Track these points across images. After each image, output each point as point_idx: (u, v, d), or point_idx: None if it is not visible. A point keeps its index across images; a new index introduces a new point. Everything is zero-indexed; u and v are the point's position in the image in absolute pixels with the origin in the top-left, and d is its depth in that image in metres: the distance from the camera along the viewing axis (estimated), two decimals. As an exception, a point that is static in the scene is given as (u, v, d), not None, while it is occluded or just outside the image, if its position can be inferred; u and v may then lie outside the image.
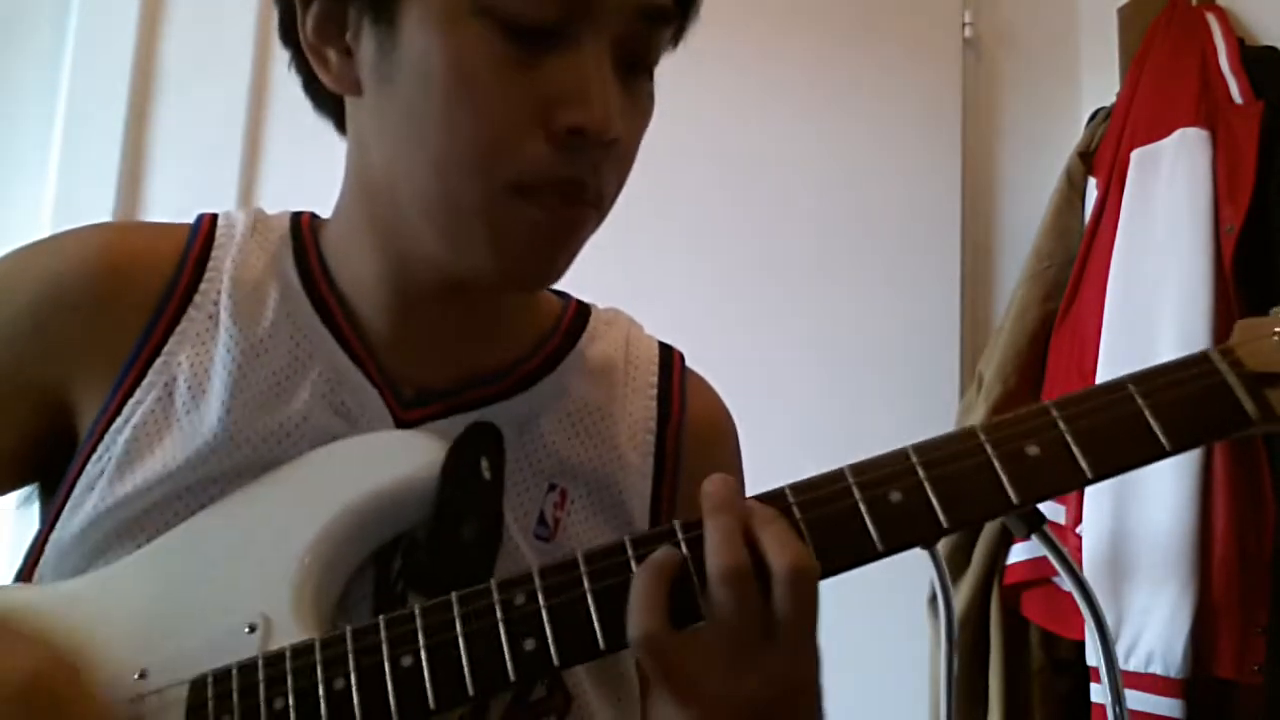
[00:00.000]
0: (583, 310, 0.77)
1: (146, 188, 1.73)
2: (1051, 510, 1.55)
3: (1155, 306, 1.55)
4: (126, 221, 0.74)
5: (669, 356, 0.76)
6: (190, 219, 0.72)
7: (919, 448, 0.54)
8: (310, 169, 1.80)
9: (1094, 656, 1.37)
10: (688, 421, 0.74)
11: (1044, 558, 1.52)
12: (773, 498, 0.55)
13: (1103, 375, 1.59)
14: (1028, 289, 1.81)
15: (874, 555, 0.53)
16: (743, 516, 0.53)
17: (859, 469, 0.54)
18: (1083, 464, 0.52)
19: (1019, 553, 1.65)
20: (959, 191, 2.00)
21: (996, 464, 0.52)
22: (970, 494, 0.52)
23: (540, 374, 0.70)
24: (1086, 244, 1.73)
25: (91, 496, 0.63)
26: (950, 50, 2.04)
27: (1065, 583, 1.37)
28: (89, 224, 0.71)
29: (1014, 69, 2.10)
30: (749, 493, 0.57)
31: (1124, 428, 0.52)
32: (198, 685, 0.55)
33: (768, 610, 0.52)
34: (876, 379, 1.92)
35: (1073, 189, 1.82)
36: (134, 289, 0.67)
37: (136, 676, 0.56)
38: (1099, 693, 1.43)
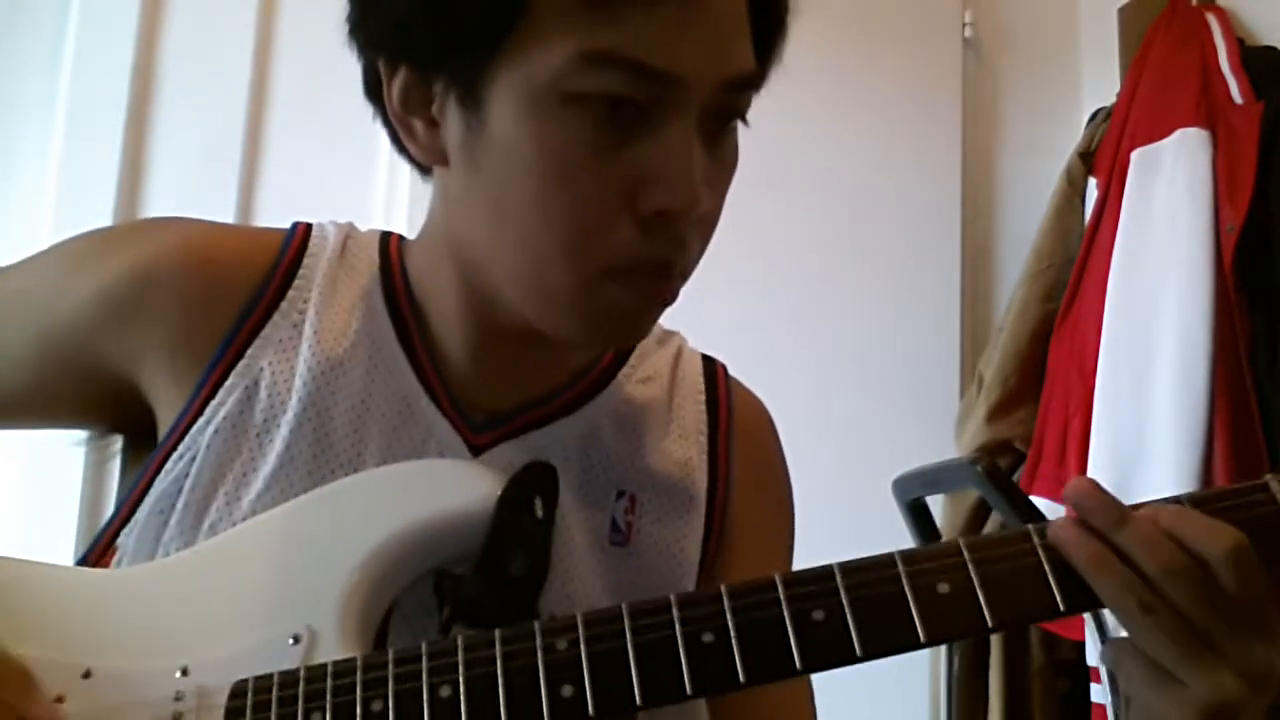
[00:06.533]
0: None
1: (146, 188, 1.72)
2: (1051, 510, 1.55)
3: (1155, 307, 1.55)
4: (222, 223, 0.75)
5: (712, 368, 0.80)
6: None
7: (971, 544, 0.56)
8: (310, 169, 1.82)
9: (1094, 656, 1.37)
10: (736, 419, 0.78)
11: (1045, 557, 1.51)
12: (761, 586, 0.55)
13: (1103, 375, 1.59)
14: (1028, 289, 1.81)
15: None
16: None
17: (845, 569, 0.55)
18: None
19: (1020, 552, 1.65)
20: (959, 191, 2.00)
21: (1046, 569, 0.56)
22: (1020, 596, 0.55)
23: (597, 388, 0.73)
24: (1086, 244, 1.73)
25: (161, 503, 0.64)
26: (950, 50, 2.04)
27: (1066, 582, 1.37)
28: (185, 217, 0.72)
29: (1014, 69, 2.10)
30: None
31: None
32: (237, 690, 0.55)
33: (1221, 595, 0.53)
34: (877, 379, 1.92)
35: (1073, 189, 1.83)
36: (225, 288, 0.68)
37: (179, 673, 0.57)
38: (1099, 693, 1.43)
